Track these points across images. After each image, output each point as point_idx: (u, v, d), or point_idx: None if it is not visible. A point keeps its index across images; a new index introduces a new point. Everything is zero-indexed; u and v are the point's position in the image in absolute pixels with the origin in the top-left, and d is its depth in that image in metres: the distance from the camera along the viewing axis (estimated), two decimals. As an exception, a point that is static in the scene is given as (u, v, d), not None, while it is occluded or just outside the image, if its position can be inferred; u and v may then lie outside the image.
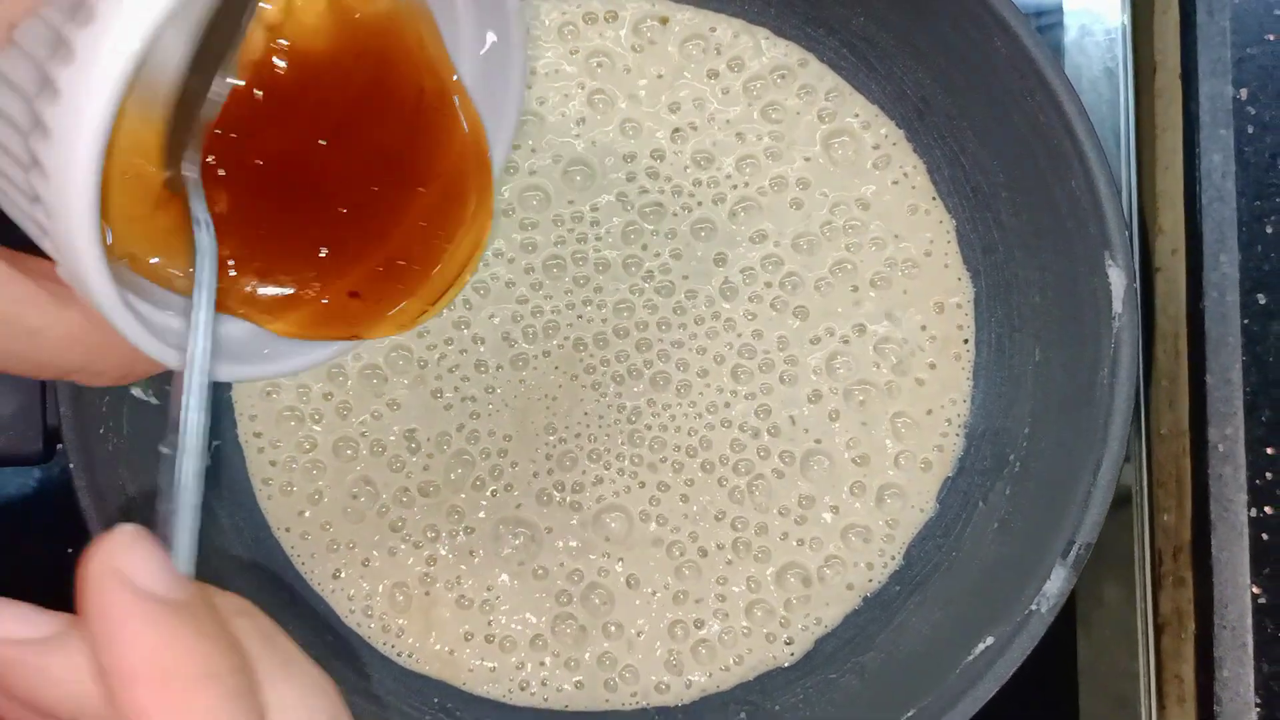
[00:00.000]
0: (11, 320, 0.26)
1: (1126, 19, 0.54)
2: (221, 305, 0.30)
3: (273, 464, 0.46)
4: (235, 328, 0.31)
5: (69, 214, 0.24)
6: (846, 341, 0.47)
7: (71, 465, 0.40)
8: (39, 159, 0.24)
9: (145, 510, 0.42)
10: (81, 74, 0.23)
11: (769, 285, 0.47)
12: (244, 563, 0.45)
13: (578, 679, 0.45)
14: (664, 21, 0.48)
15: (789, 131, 0.48)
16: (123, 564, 0.23)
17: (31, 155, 0.24)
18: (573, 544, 0.46)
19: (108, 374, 0.28)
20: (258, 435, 0.47)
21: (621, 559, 0.46)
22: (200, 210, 0.28)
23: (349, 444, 0.46)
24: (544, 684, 0.45)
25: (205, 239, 0.28)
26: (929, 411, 0.46)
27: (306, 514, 0.46)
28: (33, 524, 0.52)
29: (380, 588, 0.46)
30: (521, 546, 0.46)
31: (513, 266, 0.47)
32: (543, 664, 0.45)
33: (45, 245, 0.26)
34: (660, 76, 0.48)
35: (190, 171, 0.29)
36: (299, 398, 0.47)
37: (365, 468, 0.46)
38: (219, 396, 0.47)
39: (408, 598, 0.46)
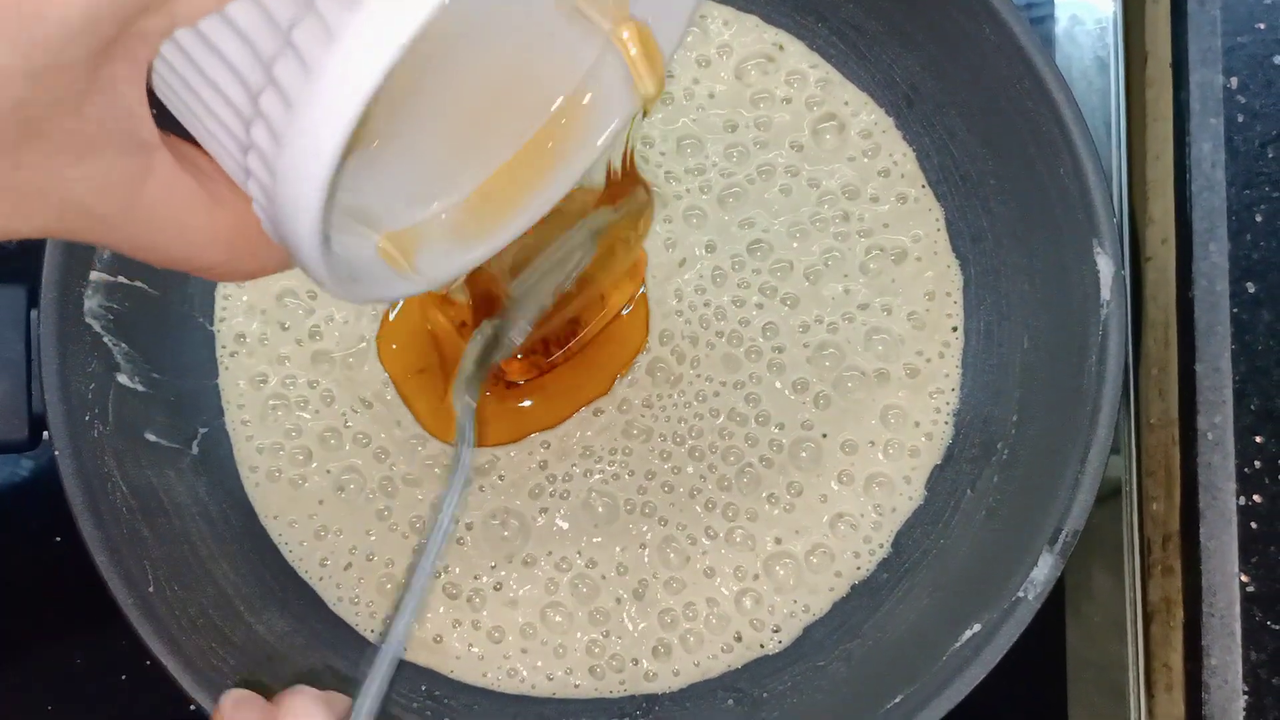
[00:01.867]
0: (164, 216, 0.24)
1: (1117, 8, 0.54)
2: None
3: (260, 451, 0.46)
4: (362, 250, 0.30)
5: (297, 205, 0.22)
6: (835, 330, 0.47)
7: (57, 453, 0.40)
8: (270, 122, 0.22)
9: (132, 500, 0.42)
10: (342, 56, 0.20)
11: (757, 272, 0.47)
12: (232, 550, 0.45)
13: (566, 666, 0.45)
14: None
15: (777, 118, 0.48)
16: None
17: (258, 110, 0.22)
18: (561, 533, 0.46)
19: (241, 274, 0.27)
20: (245, 423, 0.46)
21: (610, 548, 0.46)
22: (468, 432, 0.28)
23: (333, 433, 0.46)
24: (532, 671, 0.45)
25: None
26: (917, 399, 0.46)
27: (293, 501, 0.46)
28: (19, 513, 0.52)
29: (367, 576, 0.46)
30: (510, 536, 0.46)
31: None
32: (530, 652, 0.45)
33: (249, 188, 0.24)
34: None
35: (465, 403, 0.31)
36: (285, 385, 0.47)
37: (351, 456, 0.46)
38: (206, 384, 0.47)
39: (395, 585, 0.45)
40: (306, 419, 0.46)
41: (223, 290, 0.47)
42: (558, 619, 0.45)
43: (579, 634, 0.45)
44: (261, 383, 0.47)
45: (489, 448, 0.47)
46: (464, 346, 0.46)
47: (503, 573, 0.46)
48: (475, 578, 0.46)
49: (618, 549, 0.46)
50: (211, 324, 0.47)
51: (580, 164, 0.31)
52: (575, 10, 0.29)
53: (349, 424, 0.46)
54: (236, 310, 0.47)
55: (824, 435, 0.46)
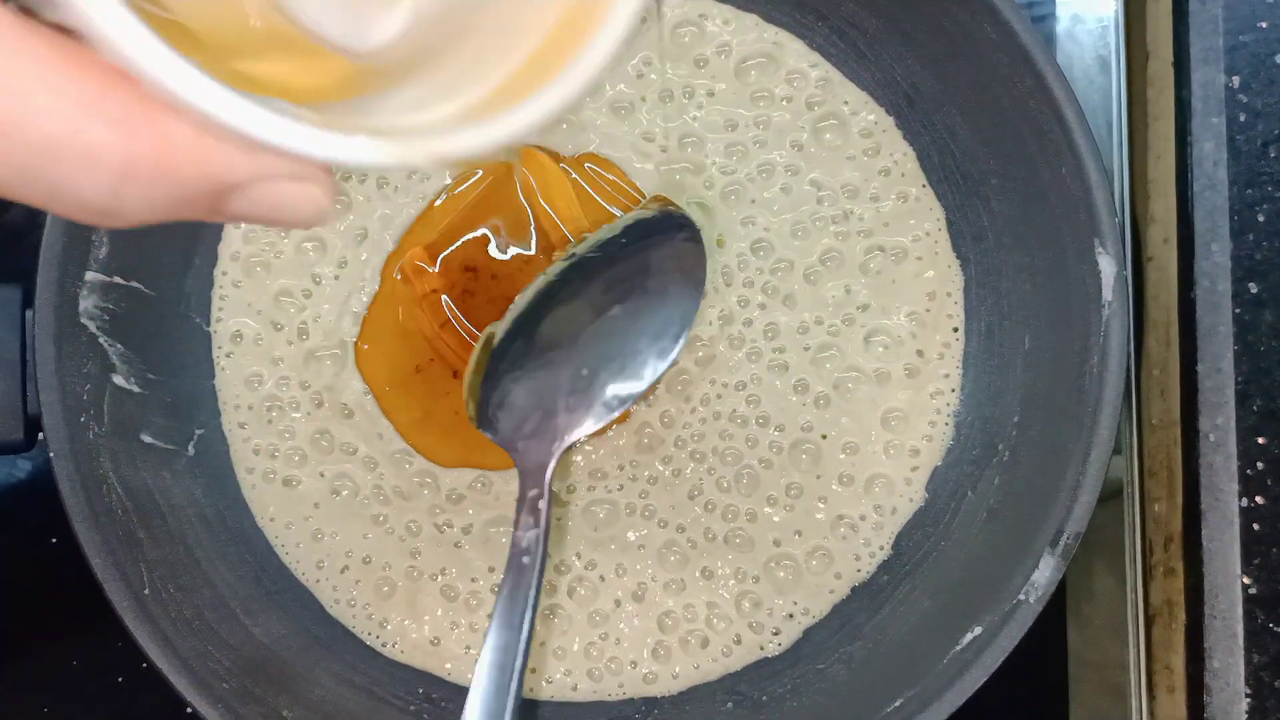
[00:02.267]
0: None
1: (1119, 7, 0.53)
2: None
3: (255, 453, 0.46)
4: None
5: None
6: (835, 331, 0.46)
7: (53, 454, 0.40)
8: None
9: (128, 502, 0.42)
10: None
11: (760, 272, 0.47)
12: (228, 552, 0.45)
13: (564, 669, 0.45)
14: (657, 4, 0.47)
15: (777, 117, 0.47)
16: None
17: None
18: (561, 537, 0.46)
19: (147, 167, 0.18)
20: (242, 425, 0.46)
21: (609, 549, 0.45)
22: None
23: (324, 436, 0.46)
24: (530, 674, 0.45)
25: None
26: (918, 400, 0.46)
27: (289, 503, 0.46)
28: (16, 514, 0.52)
29: (364, 579, 0.45)
30: (508, 541, 0.45)
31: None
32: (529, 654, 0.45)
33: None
34: (649, 62, 0.47)
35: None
36: (280, 386, 0.46)
37: (342, 462, 0.46)
38: (202, 385, 0.46)
39: (392, 588, 0.45)
40: (300, 420, 0.46)
41: (219, 290, 0.47)
42: (556, 621, 0.45)
43: (577, 636, 0.45)
44: (257, 383, 0.46)
45: (482, 469, 0.46)
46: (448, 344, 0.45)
47: (500, 575, 0.45)
48: (473, 580, 0.45)
49: (616, 549, 0.45)
50: (208, 324, 0.47)
51: (615, 34, 0.25)
52: None
53: (333, 432, 0.46)
54: (233, 310, 0.46)
55: (824, 437, 0.46)
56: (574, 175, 0.46)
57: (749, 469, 0.46)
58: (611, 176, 0.47)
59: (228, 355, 0.46)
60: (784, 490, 0.46)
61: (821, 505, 0.46)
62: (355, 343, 0.46)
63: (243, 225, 0.47)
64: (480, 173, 0.46)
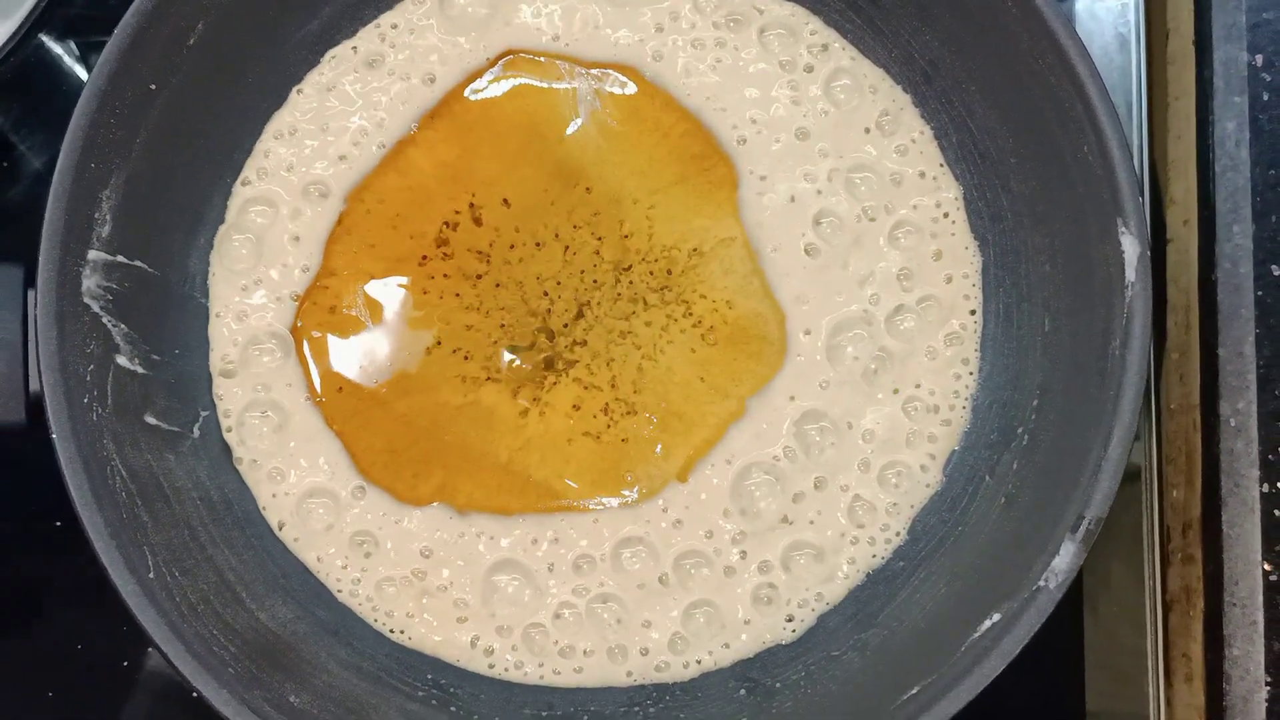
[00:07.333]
0: None
1: (1139, -17, 0.52)
2: None
3: (241, 442, 0.45)
4: None
5: None
6: (851, 312, 0.46)
7: (55, 436, 0.39)
8: None
9: (131, 484, 0.41)
10: None
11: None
12: (233, 536, 0.44)
13: (575, 663, 0.44)
14: None
15: (794, 95, 0.46)
16: None
17: None
18: (573, 529, 0.45)
19: None
20: (227, 415, 0.45)
21: (625, 539, 0.45)
22: None
23: (289, 437, 0.45)
24: (539, 662, 0.44)
25: None
26: (935, 384, 0.45)
27: (290, 493, 0.45)
28: (19, 495, 0.51)
29: (364, 577, 0.45)
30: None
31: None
32: (538, 642, 0.44)
33: None
34: (659, 29, 0.47)
35: None
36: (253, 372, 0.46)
37: (316, 466, 0.45)
38: (199, 366, 0.45)
39: (398, 589, 0.45)
40: (293, 412, 0.45)
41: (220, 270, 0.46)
42: (568, 616, 0.44)
43: (588, 624, 0.44)
44: (238, 374, 0.46)
45: (490, 513, 0.45)
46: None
47: (514, 578, 0.45)
48: (476, 592, 0.45)
49: (634, 539, 0.45)
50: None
51: None
52: None
53: (296, 435, 0.45)
54: (230, 290, 0.46)
55: (849, 425, 0.45)
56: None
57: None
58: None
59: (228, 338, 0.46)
60: (812, 483, 0.45)
61: (840, 491, 0.45)
62: (294, 329, 0.45)
63: (244, 206, 0.46)
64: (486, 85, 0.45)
